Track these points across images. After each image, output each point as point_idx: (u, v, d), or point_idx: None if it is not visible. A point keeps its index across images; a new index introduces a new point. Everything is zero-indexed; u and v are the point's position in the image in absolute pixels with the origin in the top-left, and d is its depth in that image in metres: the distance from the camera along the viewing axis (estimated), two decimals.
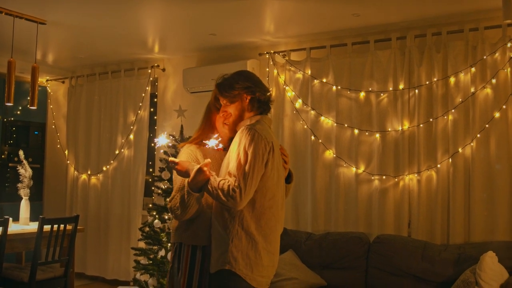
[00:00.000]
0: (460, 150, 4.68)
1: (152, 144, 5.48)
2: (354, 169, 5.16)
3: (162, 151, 5.57)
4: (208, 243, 2.78)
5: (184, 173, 2.66)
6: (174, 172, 2.86)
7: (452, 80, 4.76)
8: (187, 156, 2.86)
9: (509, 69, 4.53)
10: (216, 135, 2.81)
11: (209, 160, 2.62)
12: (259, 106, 2.82)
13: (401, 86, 4.98)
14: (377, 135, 5.06)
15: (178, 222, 2.85)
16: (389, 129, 5.02)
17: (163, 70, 6.72)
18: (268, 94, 2.86)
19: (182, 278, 2.79)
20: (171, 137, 5.57)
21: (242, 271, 2.60)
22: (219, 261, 2.63)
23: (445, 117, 4.77)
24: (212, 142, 2.70)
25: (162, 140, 2.87)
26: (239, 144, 2.62)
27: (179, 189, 2.78)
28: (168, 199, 2.83)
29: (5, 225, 4.53)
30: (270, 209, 2.68)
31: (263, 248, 2.66)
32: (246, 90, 2.78)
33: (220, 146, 2.83)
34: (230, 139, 2.89)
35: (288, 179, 2.95)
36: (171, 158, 2.72)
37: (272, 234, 2.72)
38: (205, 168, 2.58)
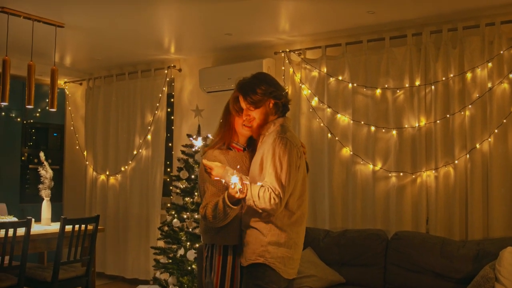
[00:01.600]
0: (477, 145, 4.67)
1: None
2: (371, 166, 5.17)
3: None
4: (239, 242, 2.94)
5: (219, 179, 2.81)
6: (202, 175, 2.97)
7: (468, 75, 4.74)
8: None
9: None
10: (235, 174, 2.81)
11: (241, 175, 2.74)
12: (282, 110, 2.97)
13: (417, 83, 4.97)
14: (394, 132, 5.06)
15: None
16: (406, 126, 5.01)
17: (180, 70, 6.77)
18: (287, 95, 3.02)
19: (215, 276, 2.93)
20: (191, 139, 5.62)
21: (276, 265, 2.80)
22: (253, 255, 2.80)
23: (462, 112, 4.76)
24: (234, 179, 2.74)
25: (199, 142, 3.03)
26: (273, 154, 2.76)
27: (213, 195, 2.89)
28: (201, 206, 2.92)
29: (28, 225, 4.60)
30: (299, 207, 2.88)
31: (294, 243, 2.86)
32: (270, 95, 2.90)
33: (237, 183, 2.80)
34: (249, 139, 3.06)
35: (306, 168, 3.07)
36: (206, 162, 2.84)
37: (302, 230, 2.94)
38: (243, 187, 2.71)
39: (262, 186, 2.73)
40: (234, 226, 2.91)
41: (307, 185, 3.02)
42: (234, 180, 2.70)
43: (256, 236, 2.82)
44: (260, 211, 2.75)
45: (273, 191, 2.69)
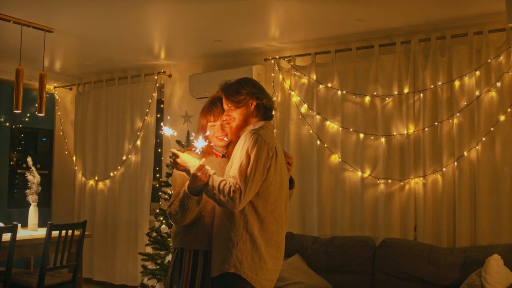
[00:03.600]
0: (465, 153, 4.69)
1: (161, 132, 5.52)
2: (359, 173, 5.18)
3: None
4: (210, 247, 2.79)
5: (183, 168, 2.68)
6: (174, 176, 2.91)
7: (456, 83, 4.77)
8: None
9: None
10: (201, 138, 2.77)
11: (204, 159, 2.64)
12: (264, 113, 2.87)
13: (406, 90, 4.99)
14: (383, 139, 5.07)
15: (178, 227, 2.87)
16: (395, 133, 5.03)
17: (170, 76, 6.77)
18: (272, 101, 2.92)
19: (184, 283, 2.79)
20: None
21: (247, 274, 2.63)
22: (223, 264, 2.64)
23: (450, 120, 4.79)
24: (200, 144, 2.69)
25: (168, 131, 2.87)
26: (242, 147, 2.65)
27: (178, 194, 2.80)
28: (167, 205, 2.84)
29: (14, 231, 4.57)
30: (272, 213, 2.72)
31: (266, 252, 2.69)
32: (252, 95, 2.82)
33: (203, 146, 2.76)
34: (228, 146, 2.94)
35: (290, 185, 2.97)
36: (173, 150, 2.73)
37: (274, 238, 2.74)
38: (202, 169, 2.59)
39: (224, 179, 2.61)
40: (204, 230, 2.80)
41: (288, 193, 2.88)
42: (200, 145, 2.64)
43: (226, 244, 2.65)
44: (220, 205, 2.61)
45: (233, 184, 2.55)
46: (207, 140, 2.82)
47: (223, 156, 2.96)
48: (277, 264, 2.79)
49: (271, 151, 2.68)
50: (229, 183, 2.56)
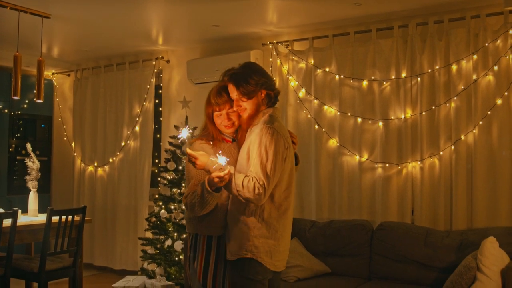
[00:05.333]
0: (462, 137, 4.71)
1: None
2: (357, 157, 5.20)
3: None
4: (223, 233, 2.92)
5: (202, 168, 2.75)
6: (188, 166, 2.95)
7: (454, 67, 4.78)
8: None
9: (511, 56, 4.55)
10: (221, 154, 2.77)
11: (228, 168, 2.69)
12: (273, 100, 2.94)
13: (403, 74, 5.00)
14: (380, 124, 5.09)
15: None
16: (392, 117, 5.05)
17: (168, 61, 6.77)
18: (276, 86, 3.00)
19: (199, 266, 2.91)
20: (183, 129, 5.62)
21: (263, 259, 2.79)
22: (241, 249, 2.79)
23: (448, 104, 4.80)
24: (222, 160, 2.70)
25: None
26: (260, 143, 2.73)
27: (195, 185, 2.86)
28: (184, 196, 2.90)
29: (14, 217, 4.60)
30: (286, 199, 2.86)
31: (281, 236, 2.85)
32: (262, 86, 2.87)
33: (225, 162, 2.75)
34: (237, 131, 3.02)
35: (296, 160, 3.05)
36: (189, 151, 2.77)
37: (288, 222, 2.92)
38: (221, 178, 2.66)
39: (246, 176, 2.70)
40: (218, 216, 2.90)
41: (295, 176, 2.99)
42: (222, 161, 2.66)
43: (242, 230, 2.79)
44: (244, 201, 2.73)
45: (257, 180, 2.66)
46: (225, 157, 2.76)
47: (233, 140, 3.03)
48: (288, 244, 2.96)
49: (286, 143, 2.81)
50: (253, 180, 2.67)
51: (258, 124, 2.84)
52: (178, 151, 5.67)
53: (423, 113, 4.89)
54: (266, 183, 2.67)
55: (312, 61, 5.47)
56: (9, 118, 7.56)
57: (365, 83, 5.18)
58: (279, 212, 2.83)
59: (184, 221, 5.39)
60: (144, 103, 6.77)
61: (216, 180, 2.66)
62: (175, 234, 5.55)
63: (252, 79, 2.84)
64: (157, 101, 6.86)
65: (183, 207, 5.42)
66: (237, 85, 2.85)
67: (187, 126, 5.55)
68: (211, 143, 2.94)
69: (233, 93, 2.88)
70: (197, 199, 2.77)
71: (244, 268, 2.80)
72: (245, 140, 2.90)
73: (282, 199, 2.83)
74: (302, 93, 5.54)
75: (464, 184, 4.70)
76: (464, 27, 4.74)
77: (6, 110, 7.55)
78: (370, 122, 5.15)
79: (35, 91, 5.45)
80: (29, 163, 5.49)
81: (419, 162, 4.90)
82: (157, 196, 5.79)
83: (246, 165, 2.78)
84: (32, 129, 7.97)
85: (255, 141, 2.76)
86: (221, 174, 2.65)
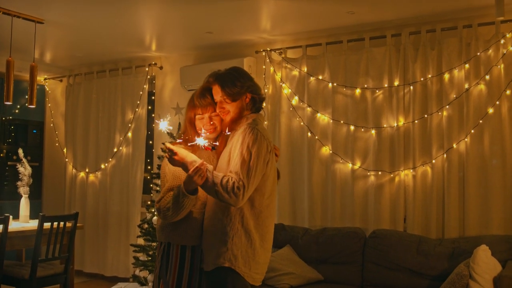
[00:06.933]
0: (454, 145, 4.74)
1: (157, 121, 5.49)
2: (350, 165, 5.22)
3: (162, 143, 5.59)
4: (198, 243, 2.75)
5: (180, 164, 2.61)
6: (163, 169, 2.84)
7: (446, 76, 4.81)
8: None
9: (502, 66, 4.60)
10: (204, 135, 2.74)
11: (202, 160, 2.58)
12: (257, 106, 2.85)
13: (396, 83, 5.03)
14: (373, 131, 5.11)
15: (163, 221, 2.79)
16: (385, 125, 5.07)
17: (161, 68, 6.76)
18: (262, 92, 2.91)
19: (171, 278, 2.73)
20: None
21: (241, 269, 2.63)
22: (218, 258, 2.63)
23: (440, 113, 4.83)
24: (201, 141, 2.65)
25: (163, 124, 2.80)
26: (242, 142, 2.62)
27: (169, 190, 2.73)
28: (156, 199, 2.77)
29: (5, 223, 4.57)
30: (267, 207, 2.72)
31: (260, 246, 2.69)
32: (247, 89, 2.79)
33: (206, 144, 2.72)
34: (217, 138, 2.88)
35: (277, 174, 2.94)
36: (168, 144, 2.64)
37: (268, 232, 2.75)
38: (199, 172, 2.54)
39: (225, 175, 2.57)
40: (193, 225, 2.75)
41: (276, 188, 2.87)
42: (201, 142, 2.55)
43: (220, 238, 2.63)
44: (221, 201, 2.57)
45: (236, 180, 2.52)
46: (203, 137, 2.72)
47: (213, 148, 2.86)
48: (268, 257, 2.80)
49: (270, 146, 2.69)
50: (232, 179, 2.54)
51: (241, 128, 2.73)
52: None
53: (416, 121, 4.92)
54: (246, 183, 2.53)
55: (305, 69, 5.49)
56: (1, 123, 7.52)
57: (358, 91, 5.20)
58: (259, 220, 2.68)
59: None
60: (137, 109, 6.76)
61: (191, 173, 2.53)
62: None
63: (238, 81, 2.76)
64: (150, 107, 6.85)
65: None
66: (223, 86, 2.76)
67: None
68: (190, 147, 2.77)
69: (218, 94, 2.79)
70: (172, 203, 2.62)
71: (221, 278, 2.63)
72: (226, 144, 2.78)
73: (263, 206, 2.69)
74: (295, 100, 5.55)
75: (456, 192, 4.73)
76: (456, 36, 4.79)
77: None
78: (362, 130, 5.17)
79: (27, 97, 5.43)
80: (20, 169, 5.47)
81: (411, 170, 4.92)
82: (149, 202, 5.77)
83: (227, 167, 2.65)
84: (24, 135, 7.93)
85: (238, 141, 2.65)
86: (196, 164, 2.53)
